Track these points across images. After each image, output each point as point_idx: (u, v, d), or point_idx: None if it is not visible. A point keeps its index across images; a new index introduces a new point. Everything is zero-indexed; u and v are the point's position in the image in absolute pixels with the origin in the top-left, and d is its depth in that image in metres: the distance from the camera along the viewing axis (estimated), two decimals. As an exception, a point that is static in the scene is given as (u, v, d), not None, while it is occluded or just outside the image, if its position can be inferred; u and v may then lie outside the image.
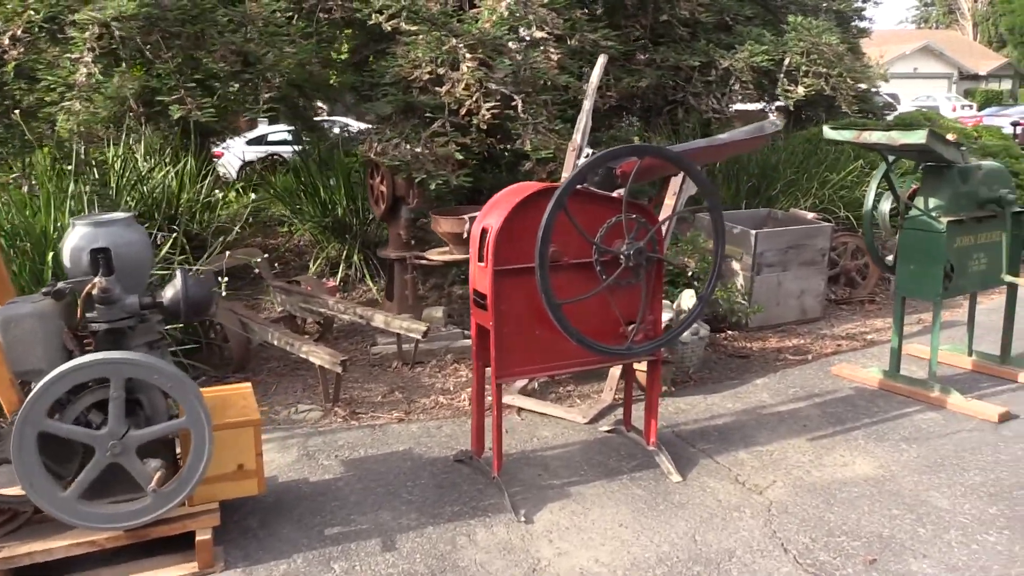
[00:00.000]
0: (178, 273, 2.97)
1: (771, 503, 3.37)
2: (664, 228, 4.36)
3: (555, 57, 5.03)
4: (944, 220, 4.17)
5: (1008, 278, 4.37)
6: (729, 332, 5.62)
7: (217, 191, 8.48)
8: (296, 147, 8.99)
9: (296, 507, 3.42)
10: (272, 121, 11.74)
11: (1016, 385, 4.63)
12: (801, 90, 5.88)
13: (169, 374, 2.84)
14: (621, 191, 3.48)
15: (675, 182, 4.58)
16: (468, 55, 4.65)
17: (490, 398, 3.59)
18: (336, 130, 9.68)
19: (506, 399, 4.46)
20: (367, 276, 6.51)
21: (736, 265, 5.72)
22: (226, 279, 4.52)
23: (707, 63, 6.14)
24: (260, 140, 13.95)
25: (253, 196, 8.25)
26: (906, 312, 6.07)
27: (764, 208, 6.35)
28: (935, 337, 4.37)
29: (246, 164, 12.65)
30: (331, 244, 6.79)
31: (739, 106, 13.97)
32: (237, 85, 5.51)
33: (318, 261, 6.55)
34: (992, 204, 4.33)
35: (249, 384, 3.54)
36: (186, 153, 7.67)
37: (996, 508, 3.29)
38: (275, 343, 4.73)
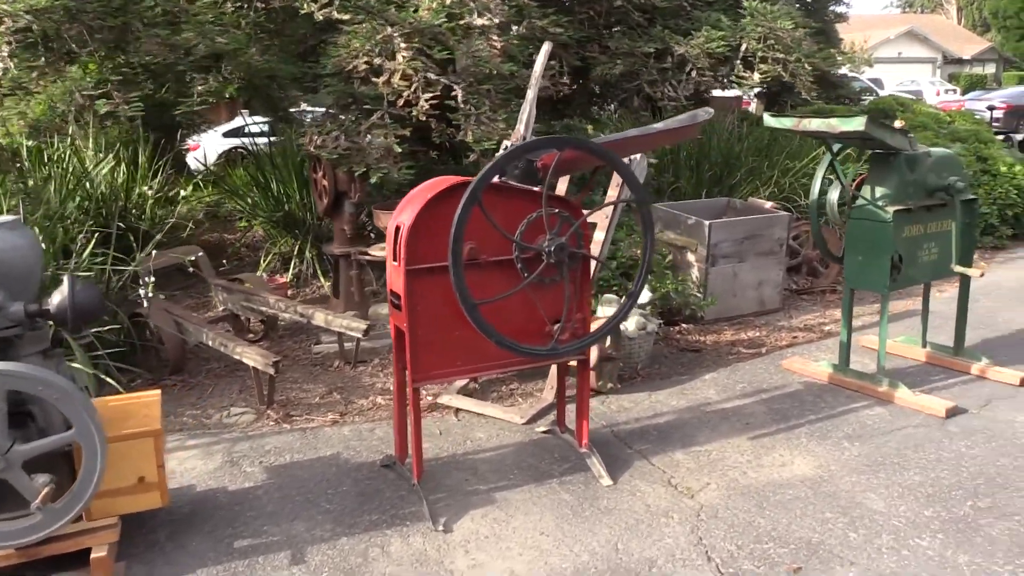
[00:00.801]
0: (65, 279, 2.82)
1: (701, 507, 3.25)
2: (608, 220, 4.24)
3: (498, 45, 4.87)
4: (890, 209, 4.03)
5: (958, 268, 4.24)
6: (684, 325, 5.49)
7: (181, 188, 8.34)
8: (270, 139, 8.81)
9: (210, 518, 3.29)
10: (252, 113, 11.55)
11: (968, 377, 4.51)
12: (756, 76, 5.73)
13: (56, 385, 2.69)
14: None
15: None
16: (403, 44, 4.49)
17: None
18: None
19: (443, 399, 4.34)
20: (319, 272, 6.36)
21: (691, 256, 5.58)
22: (152, 279, 4.37)
23: (663, 50, 5.98)
24: (238, 132, 13.71)
25: (206, 192, 8.11)
26: (868, 302, 5.99)
27: (724, 197, 6.21)
28: (883, 330, 4.25)
29: (222, 156, 12.45)
30: (284, 239, 6.64)
31: (717, 92, 13.89)
32: (196, 78, 5.35)
33: (269, 257, 6.40)
34: (941, 192, 4.20)
35: (158, 392, 3.39)
36: (148, 147, 7.50)
37: (932, 510, 3.17)
38: (210, 344, 4.59)
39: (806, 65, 5.82)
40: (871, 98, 10.94)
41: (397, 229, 3.21)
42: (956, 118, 9.56)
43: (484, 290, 3.19)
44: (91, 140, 7.19)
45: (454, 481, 3.54)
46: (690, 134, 3.81)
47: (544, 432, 3.97)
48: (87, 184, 6.24)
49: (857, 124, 3.60)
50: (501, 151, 3.49)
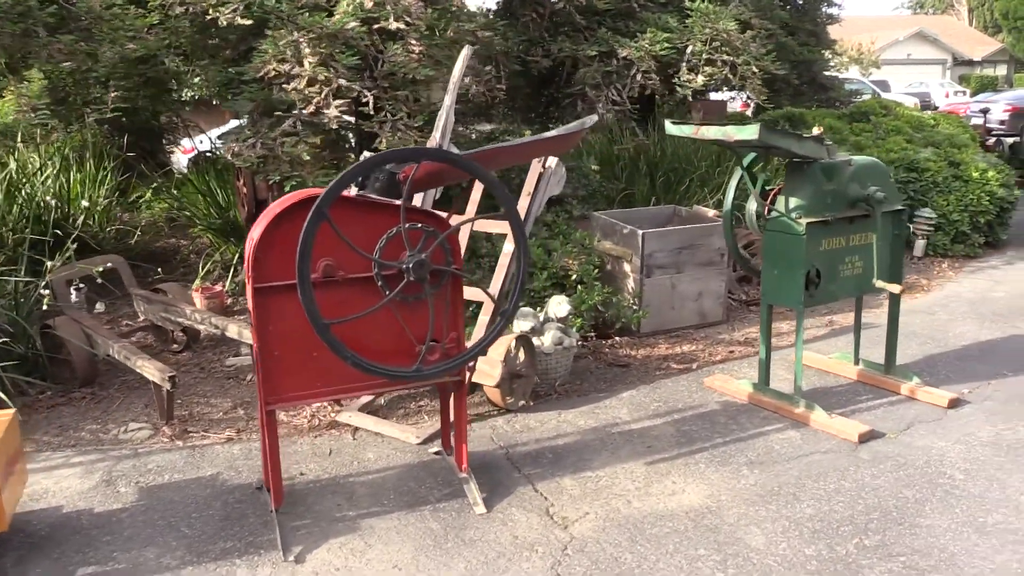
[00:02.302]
0: None
1: (571, 540, 3.07)
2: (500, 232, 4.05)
3: (417, 49, 4.71)
4: (803, 222, 3.82)
5: (879, 284, 4.01)
6: (618, 339, 5.29)
7: (143, 194, 8.27)
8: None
9: (64, 542, 3.16)
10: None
11: (897, 398, 4.27)
12: (700, 79, 5.51)
13: None
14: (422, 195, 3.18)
15: (530, 181, 4.28)
16: (308, 50, 4.35)
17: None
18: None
19: (342, 417, 4.19)
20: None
21: (627, 267, 5.38)
22: (48, 292, 4.27)
23: (607, 53, 5.79)
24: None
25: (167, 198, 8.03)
26: (820, 313, 5.76)
27: (670, 205, 6.00)
28: (799, 348, 4.03)
29: (191, 161, 12.43)
30: (227, 247, 6.53)
31: (715, 95, 13.57)
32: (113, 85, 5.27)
33: (206, 266, 6.29)
34: (863, 203, 3.97)
35: (12, 411, 3.28)
36: (111, 153, 7.47)
37: (813, 548, 2.96)
38: (116, 356, 4.48)
39: (754, 68, 5.59)
40: (855, 101, 10.58)
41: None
42: (941, 121, 9.24)
43: (344, 308, 3.04)
44: (42, 147, 7.17)
45: (326, 506, 3.38)
46: (571, 141, 3.62)
47: (435, 453, 3.80)
48: (24, 191, 6.19)
49: (751, 133, 3.39)
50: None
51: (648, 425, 4.06)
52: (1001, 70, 35.28)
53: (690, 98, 5.60)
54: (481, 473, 3.60)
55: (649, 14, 6.06)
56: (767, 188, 4.10)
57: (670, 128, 3.73)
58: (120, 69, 4.61)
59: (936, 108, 22.23)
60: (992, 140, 11.76)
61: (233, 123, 14.05)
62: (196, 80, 6.42)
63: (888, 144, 7.60)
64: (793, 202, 3.88)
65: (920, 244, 7.15)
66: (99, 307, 5.74)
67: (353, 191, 3.10)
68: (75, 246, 5.22)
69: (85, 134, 7.91)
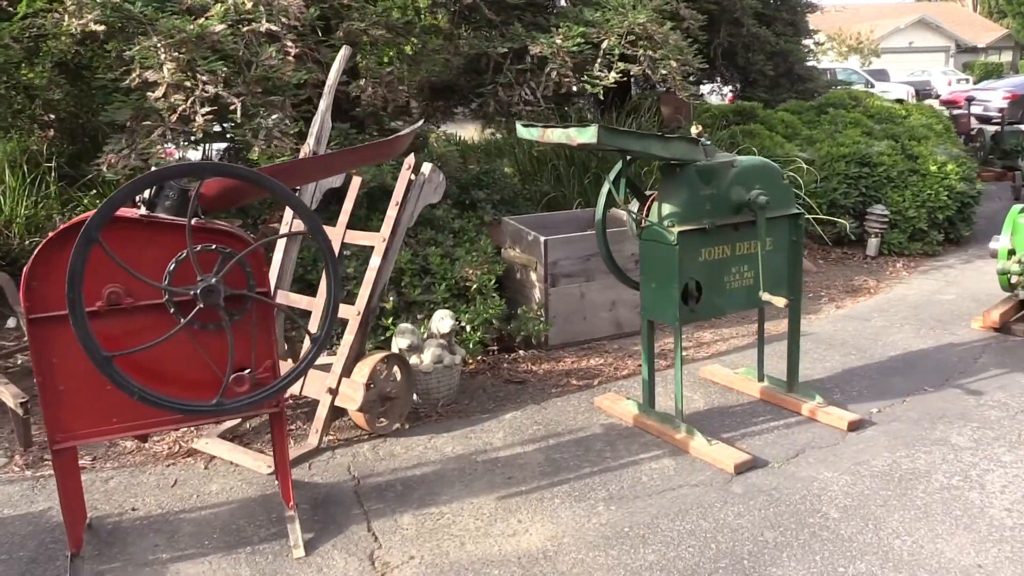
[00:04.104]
0: None
1: (383, 590, 2.79)
2: (385, 245, 3.78)
3: (293, 52, 4.44)
4: (675, 230, 3.49)
5: (765, 296, 3.67)
6: (523, 352, 4.99)
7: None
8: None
9: None
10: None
11: (797, 419, 3.93)
12: (612, 76, 5.17)
13: None
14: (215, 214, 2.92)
15: (398, 191, 4.00)
16: (165, 55, 4.09)
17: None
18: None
19: (199, 444, 3.93)
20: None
21: (533, 276, 5.08)
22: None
23: (520, 49, 5.47)
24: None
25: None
26: (749, 320, 5.41)
27: (591, 209, 5.67)
28: (678, 371, 3.71)
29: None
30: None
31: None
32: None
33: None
34: (746, 208, 3.64)
35: None
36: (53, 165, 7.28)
37: (641, 601, 2.66)
38: (-21, 379, 4.27)
39: (672, 62, 5.24)
40: (826, 93, 10.14)
41: (27, 270, 2.82)
42: (912, 111, 8.81)
43: (135, 339, 2.78)
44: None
45: (142, 547, 3.13)
46: (392, 148, 3.33)
47: (282, 486, 3.54)
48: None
49: (589, 135, 3.07)
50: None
51: (518, 452, 3.76)
52: (1007, 56, 34.16)
53: (600, 96, 5.26)
54: (321, 508, 3.34)
55: (569, 7, 5.74)
56: (648, 193, 3.78)
57: (520, 131, 3.42)
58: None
59: (938, 97, 21.61)
60: (975, 131, 11.23)
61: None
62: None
63: (841, 138, 7.20)
64: (666, 209, 3.56)
65: (873, 243, 6.79)
66: (11, 323, 5.56)
67: (142, 211, 2.84)
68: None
69: (22, 142, 7.74)
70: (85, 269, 2.61)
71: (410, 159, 4.00)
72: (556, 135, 3.21)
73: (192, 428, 4.08)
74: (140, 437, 3.14)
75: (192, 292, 2.77)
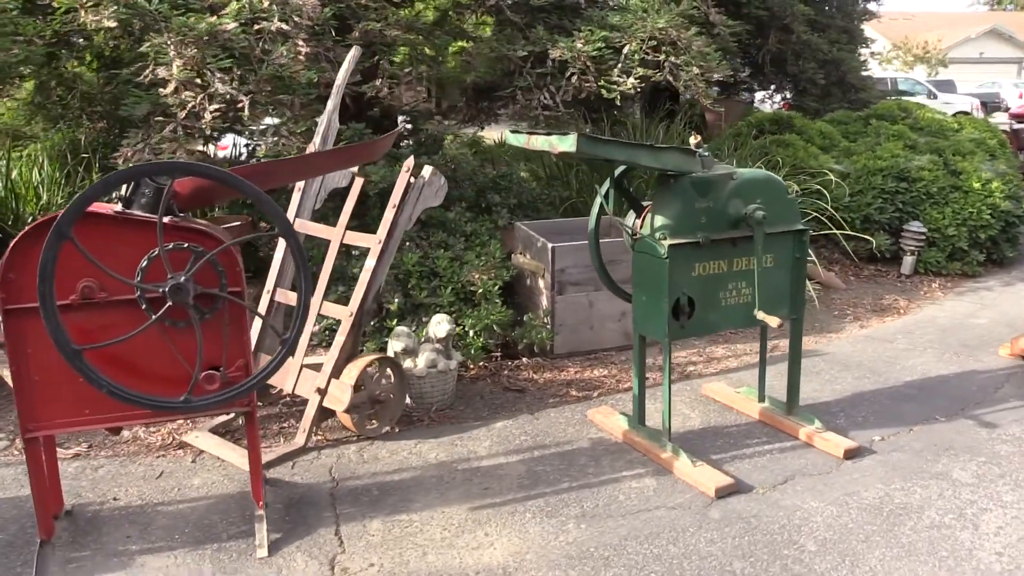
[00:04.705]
0: None
1: (336, 597, 2.77)
2: (381, 246, 3.77)
3: (304, 51, 4.47)
4: (666, 243, 3.39)
5: (760, 315, 3.53)
6: (526, 360, 4.92)
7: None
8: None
9: None
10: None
11: (793, 443, 3.78)
12: (631, 81, 5.06)
13: None
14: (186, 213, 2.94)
15: (395, 194, 3.98)
16: (174, 53, 4.16)
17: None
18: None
19: (189, 437, 3.98)
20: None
21: (541, 283, 5.01)
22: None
23: (541, 53, 5.40)
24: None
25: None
26: (752, 338, 5.24)
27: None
28: (666, 390, 3.59)
29: None
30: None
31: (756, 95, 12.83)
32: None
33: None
34: (744, 223, 3.51)
35: None
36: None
37: (591, 625, 2.58)
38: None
39: (695, 69, 5.10)
40: (882, 101, 9.78)
41: (6, 261, 2.88)
42: (966, 124, 8.43)
43: (108, 333, 2.83)
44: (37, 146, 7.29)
45: (115, 537, 3.17)
46: (372, 151, 3.30)
47: (264, 483, 3.55)
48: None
49: (569, 144, 2.99)
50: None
51: (501, 462, 3.70)
52: (1087, 69, 32.50)
53: (617, 102, 5.16)
54: (295, 508, 3.34)
55: (596, 11, 5.64)
56: (645, 204, 3.68)
57: (509, 138, 3.37)
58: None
59: (1007, 110, 20.64)
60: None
61: (268, 121, 14.25)
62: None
63: (880, 151, 6.92)
64: (659, 221, 3.45)
65: (908, 261, 6.51)
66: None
67: (118, 207, 2.88)
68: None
69: (70, 133, 8.01)
70: (56, 264, 2.67)
71: (409, 162, 3.98)
72: (539, 143, 3.15)
73: (188, 421, 4.15)
74: (112, 429, 3.19)
75: (161, 289, 2.80)
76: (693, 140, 3.54)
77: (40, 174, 6.95)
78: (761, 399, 4.09)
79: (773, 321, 3.46)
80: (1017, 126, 11.56)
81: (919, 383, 4.49)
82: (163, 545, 3.12)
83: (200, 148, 4.29)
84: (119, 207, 2.86)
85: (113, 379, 2.81)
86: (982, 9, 45.00)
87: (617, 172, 3.66)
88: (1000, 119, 16.81)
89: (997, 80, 27.04)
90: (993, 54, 33.18)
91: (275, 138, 4.38)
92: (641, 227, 3.58)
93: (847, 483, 3.41)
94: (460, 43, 5.74)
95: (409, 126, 7.40)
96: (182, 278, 2.80)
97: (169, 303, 2.80)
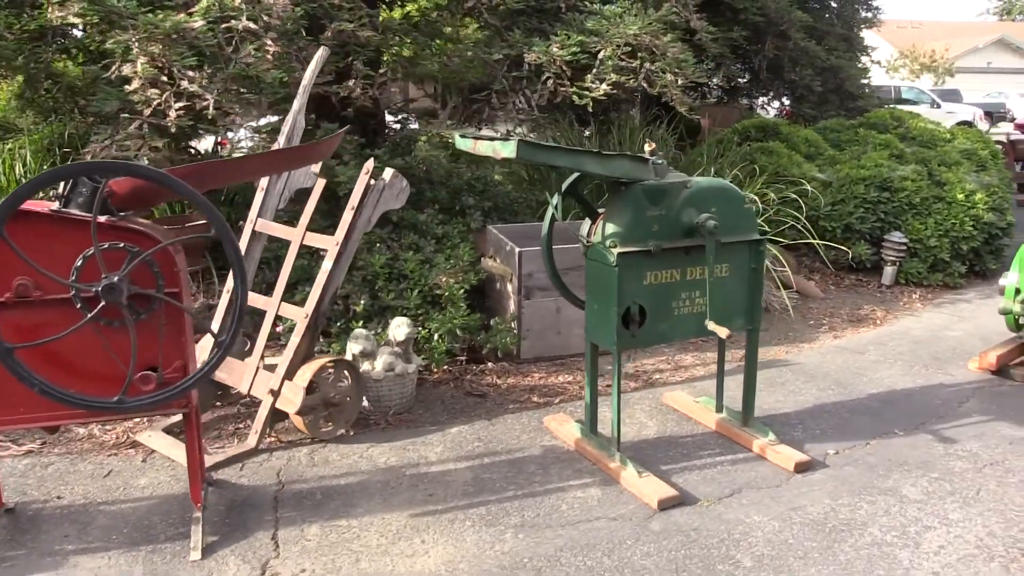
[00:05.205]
0: None
1: (263, 602, 2.76)
2: (338, 248, 3.75)
3: (272, 50, 4.46)
4: (616, 251, 3.36)
5: (711, 326, 3.49)
6: (492, 365, 4.90)
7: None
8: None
9: None
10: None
11: (746, 455, 3.74)
12: (604, 87, 5.02)
13: None
14: (125, 214, 2.93)
15: (354, 195, 3.97)
16: (138, 50, 4.16)
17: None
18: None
19: (142, 437, 3.97)
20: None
21: (509, 287, 4.98)
22: None
23: (518, 57, 5.38)
24: None
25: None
26: (738, 345, 5.19)
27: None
28: (615, 398, 3.55)
29: None
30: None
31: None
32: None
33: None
34: (697, 232, 3.47)
35: None
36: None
37: (512, 638, 2.55)
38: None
39: (668, 75, 5.06)
40: (876, 109, 9.70)
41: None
42: (958, 135, 8.35)
43: (43, 332, 2.82)
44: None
45: (53, 537, 3.16)
46: (315, 152, 3.27)
47: (208, 484, 3.54)
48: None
49: (510, 150, 2.96)
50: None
51: (450, 468, 3.68)
52: (1095, 81, 32.09)
53: (589, 108, 5.12)
54: (236, 511, 3.33)
55: (575, 15, 5.60)
56: (600, 211, 3.65)
57: (458, 142, 3.33)
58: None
59: (1013, 120, 20.48)
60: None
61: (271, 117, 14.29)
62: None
63: (864, 160, 6.85)
64: (610, 228, 3.42)
65: (889, 271, 6.45)
66: None
67: (55, 206, 2.88)
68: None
69: (60, 127, 8.05)
70: (-13, 261, 2.66)
71: (369, 164, 3.97)
72: (483, 148, 3.12)
73: (145, 420, 4.14)
74: (48, 428, 3.19)
75: (95, 289, 2.79)
76: (648, 147, 3.50)
77: (23, 168, 6.98)
78: (719, 409, 4.05)
79: (722, 332, 3.42)
80: (1015, 137, 11.44)
81: (883, 396, 4.44)
82: (99, 545, 3.11)
83: (158, 145, 4.27)
84: (55, 205, 2.86)
85: (48, 378, 2.81)
86: (991, 19, 44.64)
87: (570, 179, 3.62)
88: (1007, 130, 16.69)
89: (1004, 91, 26.80)
90: (1001, 64, 32.88)
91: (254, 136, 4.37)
92: (593, 235, 3.55)
93: (794, 497, 3.37)
94: (440, 43, 5.71)
95: (397, 126, 7.40)
96: (115, 278, 2.79)
97: (103, 303, 2.79)
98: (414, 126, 7.31)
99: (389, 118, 7.52)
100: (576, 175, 3.61)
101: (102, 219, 2.86)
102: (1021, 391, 4.51)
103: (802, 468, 3.57)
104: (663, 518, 3.22)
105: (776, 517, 3.22)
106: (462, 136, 3.31)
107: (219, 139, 12.06)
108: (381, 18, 5.25)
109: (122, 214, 2.95)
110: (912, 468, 3.61)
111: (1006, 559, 2.96)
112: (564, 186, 3.63)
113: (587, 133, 7.57)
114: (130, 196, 2.93)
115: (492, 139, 3.10)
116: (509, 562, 2.94)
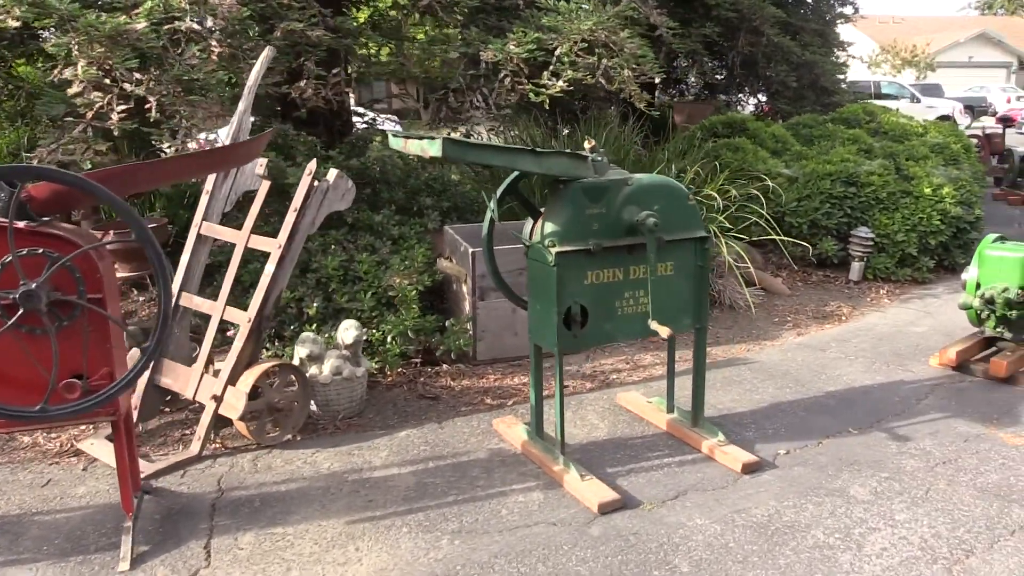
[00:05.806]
0: None
1: (186, 615, 2.69)
2: (280, 252, 3.68)
3: (216, 51, 4.39)
4: (555, 250, 3.30)
5: (653, 325, 3.43)
6: (447, 367, 4.83)
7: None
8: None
9: None
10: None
11: (695, 456, 3.69)
12: (560, 84, 4.97)
13: None
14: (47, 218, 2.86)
15: (297, 197, 3.91)
16: (78, 52, 4.09)
17: None
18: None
19: (84, 444, 3.91)
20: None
21: (464, 289, 4.92)
22: None
23: (474, 55, 5.32)
24: None
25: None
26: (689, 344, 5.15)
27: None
28: (558, 401, 3.50)
29: None
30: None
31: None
32: None
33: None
34: (638, 230, 3.42)
35: None
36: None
37: (436, 648, 2.49)
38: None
39: (626, 71, 5.01)
40: (850, 104, 9.67)
41: None
42: (930, 128, 8.31)
43: (-40, 339, 2.76)
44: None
45: (-21, 550, 3.11)
46: (231, 157, 3.21)
47: (145, 492, 3.47)
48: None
49: (436, 149, 2.90)
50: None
51: (393, 473, 3.62)
52: (1075, 74, 32.17)
53: (545, 105, 5.06)
54: (171, 520, 3.27)
55: (533, 12, 5.54)
56: (541, 210, 3.59)
57: (391, 141, 3.27)
58: None
59: (995, 114, 20.47)
60: (1006, 151, 10.57)
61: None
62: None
63: (831, 155, 6.81)
64: (549, 227, 3.36)
65: (856, 267, 6.41)
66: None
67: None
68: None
69: (27, 132, 7.97)
70: None
71: (311, 165, 3.91)
72: (413, 147, 3.06)
73: (89, 427, 4.07)
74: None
75: (12, 296, 2.72)
76: (587, 144, 3.45)
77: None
78: (670, 410, 4.00)
79: (664, 331, 3.37)
80: (990, 131, 11.43)
81: (841, 393, 4.39)
82: (28, 557, 3.04)
83: (102, 148, 4.20)
84: (-30, 212, 2.79)
85: (-36, 387, 2.74)
86: (972, 13, 44.67)
87: (509, 179, 3.56)
88: (987, 123, 16.68)
89: (984, 85, 26.79)
90: (982, 58, 32.90)
91: (184, 140, 4.30)
92: (533, 234, 3.49)
93: (739, 499, 3.32)
94: (395, 43, 5.65)
95: (364, 126, 7.33)
96: (33, 284, 2.73)
97: (21, 310, 2.72)
98: (385, 127, 7.26)
99: (357, 119, 7.46)
100: (516, 174, 3.55)
101: (20, 224, 2.80)
102: (980, 387, 4.47)
103: (750, 469, 3.52)
104: (603, 522, 3.16)
105: (719, 520, 3.17)
106: (394, 135, 3.25)
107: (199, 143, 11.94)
108: (336, 19, 5.18)
109: (44, 219, 2.90)
110: (863, 468, 3.56)
111: (949, 561, 2.91)
112: (503, 186, 3.56)
113: (566, 132, 7.52)
114: (50, 201, 2.86)
115: (422, 138, 3.04)
116: (441, 570, 2.89)
